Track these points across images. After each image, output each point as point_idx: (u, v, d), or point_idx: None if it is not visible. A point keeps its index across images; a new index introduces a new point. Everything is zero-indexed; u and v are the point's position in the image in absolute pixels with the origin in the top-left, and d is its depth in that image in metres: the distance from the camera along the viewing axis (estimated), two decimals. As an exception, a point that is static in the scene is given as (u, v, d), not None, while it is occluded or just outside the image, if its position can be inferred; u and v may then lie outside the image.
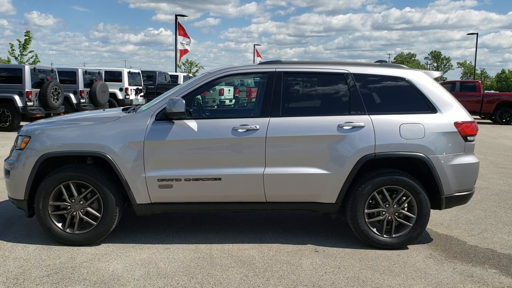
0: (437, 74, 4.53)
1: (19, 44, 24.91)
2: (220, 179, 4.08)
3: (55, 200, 4.12)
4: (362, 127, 4.10)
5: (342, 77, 4.28)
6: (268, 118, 4.13)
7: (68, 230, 4.12)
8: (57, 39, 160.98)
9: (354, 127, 4.09)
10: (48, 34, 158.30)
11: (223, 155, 4.12)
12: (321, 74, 4.37)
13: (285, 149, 4.12)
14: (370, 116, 4.14)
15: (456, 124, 4.17)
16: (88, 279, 3.47)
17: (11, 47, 24.90)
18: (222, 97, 18.58)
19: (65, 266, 3.70)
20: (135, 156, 4.04)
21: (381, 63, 4.60)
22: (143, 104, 4.72)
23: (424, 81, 4.30)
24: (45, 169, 4.20)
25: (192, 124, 4.11)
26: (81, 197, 4.10)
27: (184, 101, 4.01)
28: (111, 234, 4.31)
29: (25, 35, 24.91)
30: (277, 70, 4.29)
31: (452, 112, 4.22)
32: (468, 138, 4.22)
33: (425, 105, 4.22)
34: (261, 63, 4.56)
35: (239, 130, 4.09)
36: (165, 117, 4.09)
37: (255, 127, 4.09)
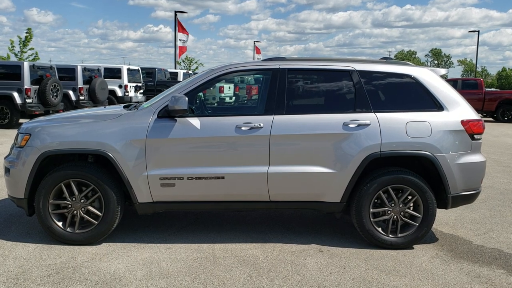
0: (443, 71, 4.47)
1: (20, 41, 24.78)
2: (223, 177, 4.02)
3: (55, 199, 4.05)
4: (367, 125, 4.03)
5: (347, 74, 4.21)
6: (272, 116, 4.06)
7: (68, 229, 4.06)
8: (56, 36, 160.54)
9: (359, 125, 4.03)
10: (47, 31, 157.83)
11: (227, 153, 4.05)
12: (326, 71, 4.29)
13: (290, 147, 4.06)
14: (376, 114, 4.08)
15: (462, 122, 4.11)
16: (90, 279, 3.41)
17: (11, 44, 24.78)
18: (222, 95, 18.46)
19: (66, 265, 3.64)
20: (137, 154, 3.97)
21: (387, 60, 4.53)
22: (143, 102, 4.65)
23: (430, 78, 4.24)
24: (46, 167, 4.14)
25: (195, 122, 4.04)
26: (82, 196, 4.04)
27: (186, 99, 3.94)
28: (113, 234, 4.24)
29: (26, 32, 24.78)
30: (281, 67, 4.22)
31: (458, 110, 4.16)
32: (475, 136, 4.15)
33: (432, 103, 4.15)
34: (265, 60, 4.49)
35: (243, 128, 4.02)
36: (167, 114, 4.02)
37: (259, 125, 4.02)
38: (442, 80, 4.30)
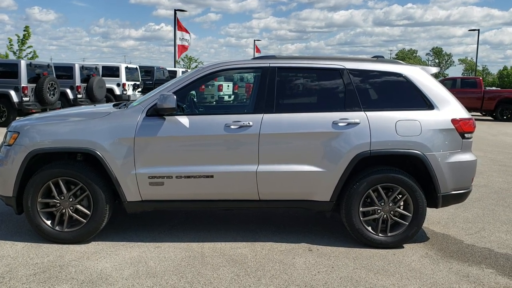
0: (434, 70, 4.45)
1: (18, 39, 24.78)
2: (212, 176, 4.00)
3: (44, 197, 4.04)
4: (357, 123, 4.01)
5: (338, 72, 4.18)
6: (262, 115, 4.04)
7: (57, 228, 4.05)
8: (58, 34, 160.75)
9: (349, 123, 4.01)
10: (49, 29, 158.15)
11: (216, 152, 4.03)
12: (316, 69, 4.27)
13: (279, 146, 4.04)
14: (366, 112, 4.05)
15: (453, 121, 4.08)
16: (76, 278, 3.40)
17: (9, 42, 24.79)
18: (221, 93, 18.40)
19: (53, 264, 3.62)
20: (125, 153, 3.95)
21: (378, 58, 4.50)
22: (134, 100, 4.63)
23: (421, 77, 4.21)
24: (34, 165, 4.12)
25: (184, 120, 4.02)
26: (70, 194, 4.03)
27: (175, 97, 3.92)
28: (101, 232, 4.23)
29: (24, 30, 24.79)
30: (271, 65, 4.20)
31: (449, 108, 4.14)
32: (466, 135, 4.13)
33: (422, 102, 4.13)
34: (255, 58, 4.47)
35: (232, 127, 4.00)
36: (156, 113, 4.00)
37: (248, 123, 4.00)
38: (433, 78, 4.27)
